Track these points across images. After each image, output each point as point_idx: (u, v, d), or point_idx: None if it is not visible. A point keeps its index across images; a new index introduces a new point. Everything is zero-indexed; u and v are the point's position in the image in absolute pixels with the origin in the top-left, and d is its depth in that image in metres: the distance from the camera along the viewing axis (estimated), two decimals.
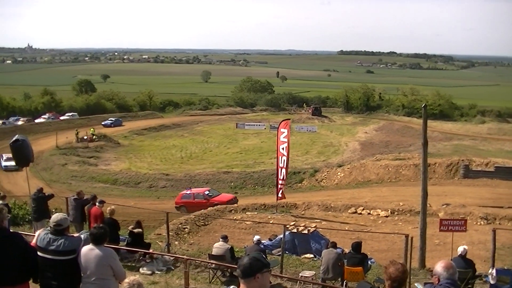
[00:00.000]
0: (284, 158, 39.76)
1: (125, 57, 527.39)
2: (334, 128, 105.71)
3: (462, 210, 37.81)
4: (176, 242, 27.18)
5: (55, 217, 8.51)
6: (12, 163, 44.68)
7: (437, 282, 6.57)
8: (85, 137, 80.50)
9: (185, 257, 18.15)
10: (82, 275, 8.51)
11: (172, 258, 19.59)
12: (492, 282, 17.17)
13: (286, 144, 39.60)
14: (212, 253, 19.14)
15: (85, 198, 22.55)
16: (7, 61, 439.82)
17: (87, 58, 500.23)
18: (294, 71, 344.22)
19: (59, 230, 8.30)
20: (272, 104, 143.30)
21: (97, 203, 20.45)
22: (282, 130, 39.98)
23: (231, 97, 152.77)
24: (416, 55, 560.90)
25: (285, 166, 40.18)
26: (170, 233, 24.23)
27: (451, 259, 17.53)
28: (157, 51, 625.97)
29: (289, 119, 49.02)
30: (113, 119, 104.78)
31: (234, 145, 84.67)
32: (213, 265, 18.27)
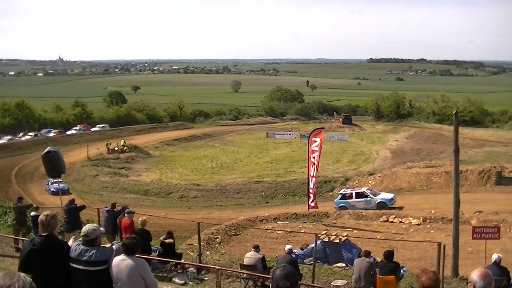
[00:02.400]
0: (315, 167, 39.78)
1: (155, 68, 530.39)
2: (365, 136, 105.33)
3: (495, 217, 37.47)
4: (208, 252, 27.27)
5: (85, 228, 8.54)
6: (62, 185, 45.26)
7: None
8: (116, 148, 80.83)
9: (216, 267, 18.18)
10: (113, 285, 8.54)
11: (203, 268, 19.63)
12: None
13: (317, 153, 39.60)
14: (244, 263, 19.14)
15: (117, 209, 22.69)
16: (39, 74, 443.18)
17: (117, 70, 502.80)
18: (324, 79, 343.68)
19: (89, 240, 8.32)
20: (302, 113, 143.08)
21: (126, 214, 20.52)
22: (314, 139, 39.99)
23: (261, 106, 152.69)
24: (446, 62, 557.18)
25: (315, 175, 40.19)
26: (201, 243, 24.28)
27: (486, 267, 17.37)
28: (187, 62, 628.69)
29: (323, 128, 48.77)
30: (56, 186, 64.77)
31: (265, 154, 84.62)
32: (245, 275, 18.26)
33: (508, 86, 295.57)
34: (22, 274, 4.07)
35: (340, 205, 46.46)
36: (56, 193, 45.22)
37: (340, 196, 48.14)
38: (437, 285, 6.31)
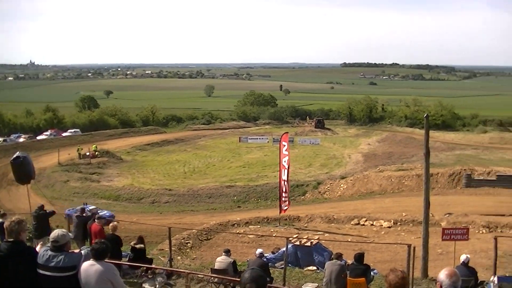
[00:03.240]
0: (286, 171, 39.97)
1: (128, 72, 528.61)
2: (337, 140, 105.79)
3: (464, 219, 37.95)
4: (179, 257, 27.24)
5: (53, 233, 8.51)
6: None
7: None
8: (88, 153, 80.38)
9: (186, 271, 18.17)
10: None
11: (174, 273, 19.60)
12: None
13: (287, 157, 39.81)
14: (215, 267, 19.14)
15: (86, 214, 22.63)
16: (9, 78, 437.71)
17: (90, 74, 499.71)
18: (297, 84, 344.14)
19: (57, 246, 8.29)
20: (275, 118, 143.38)
21: (96, 220, 20.45)
22: (284, 143, 40.19)
23: (234, 111, 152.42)
24: (419, 66, 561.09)
25: (286, 179, 40.38)
26: (172, 248, 24.18)
27: (454, 268, 17.50)
28: (160, 66, 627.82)
29: (287, 132, 48.87)
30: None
31: (237, 159, 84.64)
32: (216, 279, 18.27)
33: (479, 90, 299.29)
34: None
35: None
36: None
37: None
38: (404, 283, 6.43)
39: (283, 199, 40.16)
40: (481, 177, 54.96)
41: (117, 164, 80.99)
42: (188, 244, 32.17)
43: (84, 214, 22.78)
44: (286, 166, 39.93)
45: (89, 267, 8.45)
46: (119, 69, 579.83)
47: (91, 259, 8.52)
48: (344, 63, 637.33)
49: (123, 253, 19.93)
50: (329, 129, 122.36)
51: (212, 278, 18.53)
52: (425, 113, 24.46)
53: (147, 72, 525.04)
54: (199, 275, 19.67)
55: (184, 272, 18.03)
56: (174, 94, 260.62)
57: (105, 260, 8.64)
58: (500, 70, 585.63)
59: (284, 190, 40.27)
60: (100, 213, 48.90)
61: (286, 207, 40.24)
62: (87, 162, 77.79)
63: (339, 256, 18.51)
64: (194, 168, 77.21)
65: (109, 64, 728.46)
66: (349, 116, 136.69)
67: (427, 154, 22.37)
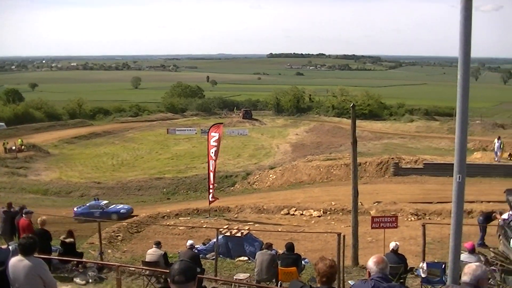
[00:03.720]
0: (213, 162, 39.91)
1: (53, 65, 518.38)
2: (265, 131, 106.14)
3: (393, 207, 38.45)
4: (109, 251, 26.94)
5: None
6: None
7: (368, 276, 6.69)
8: (14, 148, 78.79)
9: (117, 264, 17.97)
10: (11, 287, 8.35)
11: (105, 267, 19.41)
12: (423, 275, 17.52)
13: (215, 148, 39.71)
14: (146, 260, 19.01)
15: (14, 209, 22.22)
16: None
17: (13, 67, 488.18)
18: (225, 75, 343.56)
19: None
20: (203, 109, 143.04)
21: (23, 214, 20.06)
22: (213, 134, 40.05)
23: (162, 102, 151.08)
24: (345, 56, 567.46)
25: (214, 170, 40.35)
26: (102, 242, 23.91)
27: (384, 255, 17.79)
28: (85, 58, 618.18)
29: (222, 123, 48.56)
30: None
31: (166, 151, 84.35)
32: (147, 272, 18.13)
33: (405, 80, 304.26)
34: None
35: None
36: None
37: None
38: (333, 271, 6.55)
39: (210, 190, 40.12)
40: (409, 166, 55.75)
41: (44, 158, 79.72)
42: (119, 237, 31.85)
43: (11, 209, 22.35)
44: (214, 158, 39.86)
45: (17, 263, 8.30)
46: (43, 61, 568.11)
47: (19, 255, 8.36)
48: (271, 53, 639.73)
49: (52, 248, 19.61)
50: (257, 119, 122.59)
51: (143, 271, 18.38)
52: (352, 103, 24.72)
53: (72, 64, 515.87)
54: (130, 268, 19.54)
55: (115, 265, 17.79)
56: (101, 86, 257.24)
57: (34, 255, 8.49)
58: (426, 59, 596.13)
59: (212, 181, 40.25)
60: (117, 208, 48.08)
61: (212, 199, 40.16)
62: (13, 157, 76.22)
63: (269, 246, 18.61)
64: (123, 161, 76.69)
65: (33, 56, 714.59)
66: (277, 107, 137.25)
67: (354, 143, 22.58)
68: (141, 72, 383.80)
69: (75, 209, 47.04)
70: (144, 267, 18.51)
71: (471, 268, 6.19)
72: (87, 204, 48.27)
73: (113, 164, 74.47)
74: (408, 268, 18.72)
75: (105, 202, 48.62)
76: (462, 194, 8.11)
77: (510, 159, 56.80)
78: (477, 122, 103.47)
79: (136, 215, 42.53)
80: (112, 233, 32.08)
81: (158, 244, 19.41)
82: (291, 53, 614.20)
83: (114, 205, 48.32)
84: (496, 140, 57.19)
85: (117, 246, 30.19)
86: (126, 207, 47.84)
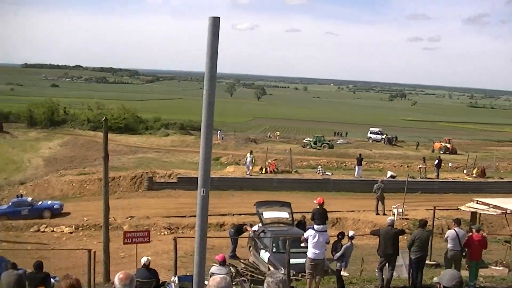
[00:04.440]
0: None
1: None
2: (17, 144, 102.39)
3: (146, 221, 38.67)
4: None
5: None
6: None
7: None
8: None
9: None
10: None
11: None
12: None
13: None
14: None
15: None
16: None
17: None
18: None
19: None
20: None
21: None
22: None
23: None
24: (102, 69, 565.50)
25: None
26: None
27: (135, 270, 17.90)
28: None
29: None
30: None
31: None
32: None
33: (161, 94, 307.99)
34: None
35: None
36: None
37: None
38: None
39: None
40: (163, 180, 56.18)
41: None
42: None
43: None
44: None
45: None
46: None
47: None
48: (25, 63, 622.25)
49: None
50: (8, 132, 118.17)
51: None
52: (104, 116, 24.58)
53: None
54: None
55: None
56: None
57: None
58: (183, 74, 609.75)
59: None
60: (49, 204, 45.42)
61: None
62: None
63: (14, 266, 17.95)
64: None
65: None
66: (30, 119, 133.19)
67: (106, 158, 22.45)
68: None
69: None
70: None
71: (215, 280, 6.19)
72: (10, 202, 44.61)
73: None
74: (161, 282, 18.76)
75: (29, 199, 45.56)
76: (206, 207, 8.12)
77: (261, 173, 58.93)
78: (231, 136, 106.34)
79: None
80: None
81: None
82: (46, 64, 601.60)
83: (44, 201, 46.39)
84: (248, 155, 59.20)
85: None
86: (57, 202, 46.16)
